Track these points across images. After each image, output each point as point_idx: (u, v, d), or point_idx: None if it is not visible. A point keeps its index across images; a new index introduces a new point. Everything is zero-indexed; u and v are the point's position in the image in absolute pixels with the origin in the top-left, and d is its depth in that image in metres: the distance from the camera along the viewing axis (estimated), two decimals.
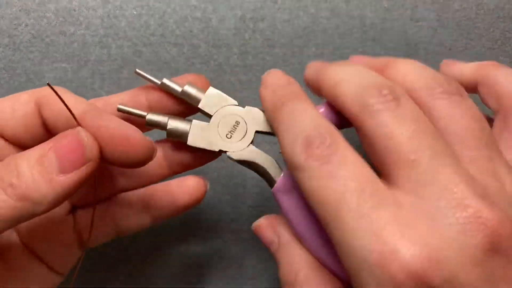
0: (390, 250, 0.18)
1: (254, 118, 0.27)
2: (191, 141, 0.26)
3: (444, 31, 0.37)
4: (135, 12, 0.37)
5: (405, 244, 0.18)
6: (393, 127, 0.20)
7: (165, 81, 0.27)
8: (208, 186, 0.30)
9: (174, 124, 0.27)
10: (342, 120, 0.24)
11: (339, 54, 0.37)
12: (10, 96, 0.26)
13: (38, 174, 0.21)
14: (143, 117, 0.27)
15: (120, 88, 0.36)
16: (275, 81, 0.26)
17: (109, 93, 0.36)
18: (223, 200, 0.36)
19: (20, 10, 0.37)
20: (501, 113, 0.26)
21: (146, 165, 0.24)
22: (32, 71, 0.37)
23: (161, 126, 0.27)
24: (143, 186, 0.30)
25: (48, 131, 0.25)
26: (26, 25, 0.37)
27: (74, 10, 0.37)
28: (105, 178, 0.28)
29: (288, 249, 0.26)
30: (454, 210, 0.18)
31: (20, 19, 0.37)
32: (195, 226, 0.36)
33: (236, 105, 0.27)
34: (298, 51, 0.37)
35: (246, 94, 0.37)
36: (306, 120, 0.22)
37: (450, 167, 0.19)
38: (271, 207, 0.36)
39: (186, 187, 0.29)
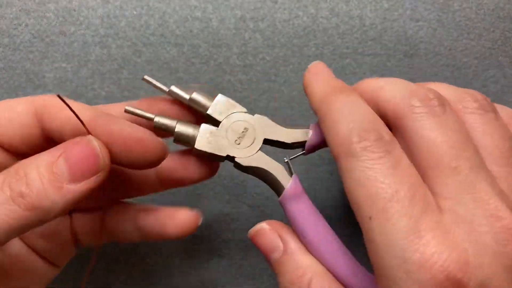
0: (433, 253, 0.19)
1: (263, 126, 0.27)
2: (199, 144, 0.26)
3: (444, 31, 0.37)
4: (135, 12, 0.37)
5: (447, 248, 0.19)
6: (438, 133, 0.21)
7: (173, 88, 0.27)
8: (201, 220, 0.29)
9: (183, 128, 0.26)
10: None
11: (339, 54, 0.37)
12: (4, 102, 0.25)
13: (48, 183, 0.21)
14: (151, 119, 0.26)
15: (120, 88, 0.36)
16: (325, 71, 0.26)
17: (109, 93, 0.36)
18: (223, 200, 0.36)
19: (20, 10, 0.37)
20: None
21: (140, 177, 0.26)
22: (32, 71, 0.36)
23: (169, 130, 0.26)
24: (136, 195, 0.30)
25: (48, 141, 0.25)
26: (26, 25, 0.37)
27: (74, 10, 0.37)
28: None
29: (296, 256, 0.25)
30: (489, 220, 0.19)
31: (20, 19, 0.37)
32: None
33: (245, 112, 0.27)
34: (298, 51, 0.37)
35: (246, 94, 0.37)
36: (365, 113, 0.22)
37: (485, 180, 0.20)
38: (271, 207, 0.36)
39: (177, 220, 0.29)
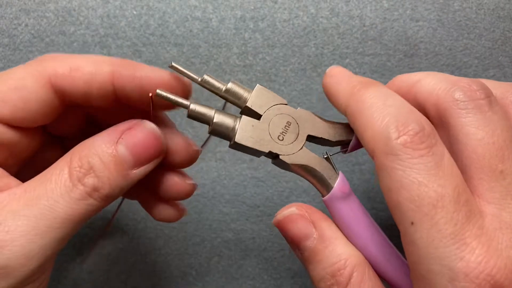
0: (479, 261, 0.18)
1: (306, 121, 0.24)
2: (240, 138, 0.24)
3: (444, 31, 0.37)
4: (135, 12, 0.37)
5: (492, 255, 0.18)
6: (485, 133, 0.20)
7: (206, 77, 0.24)
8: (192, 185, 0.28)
9: (221, 118, 0.24)
10: None
11: (339, 54, 0.37)
12: (4, 75, 0.22)
13: (116, 173, 0.21)
14: (186, 107, 0.24)
15: None
16: (344, 72, 0.24)
17: None
18: (223, 200, 0.36)
19: (20, 10, 0.37)
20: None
21: None
22: None
23: (205, 120, 0.24)
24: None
25: (67, 107, 0.24)
26: (26, 25, 0.37)
27: (74, 10, 0.37)
28: None
29: (335, 245, 0.23)
30: None
31: (20, 19, 0.37)
32: (195, 226, 0.36)
33: (286, 104, 0.25)
34: (298, 51, 0.37)
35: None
36: (398, 104, 0.20)
37: None
38: (271, 207, 0.36)
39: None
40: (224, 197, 0.36)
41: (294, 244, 0.24)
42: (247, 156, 0.36)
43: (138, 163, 0.22)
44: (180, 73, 0.24)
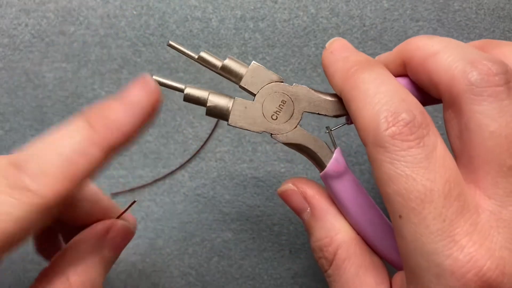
0: (468, 259, 0.17)
1: (302, 98, 0.24)
2: (233, 121, 0.24)
3: (444, 31, 0.37)
4: (135, 12, 0.37)
5: (483, 255, 0.17)
6: (498, 124, 0.18)
7: (203, 54, 0.24)
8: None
9: (215, 100, 0.24)
10: (424, 98, 0.22)
11: None
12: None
13: (103, 271, 0.23)
14: (181, 90, 0.24)
15: (120, 88, 0.36)
16: (344, 47, 0.23)
17: (109, 93, 0.36)
18: (223, 200, 0.36)
19: (20, 10, 0.37)
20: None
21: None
22: (32, 71, 0.36)
23: (200, 102, 0.24)
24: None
25: None
26: (26, 25, 0.37)
27: (74, 10, 0.37)
28: None
29: (325, 220, 0.24)
30: None
31: (20, 19, 0.37)
32: (195, 226, 0.36)
33: (282, 82, 0.24)
34: (298, 51, 0.37)
35: (246, 94, 0.37)
36: (391, 91, 0.19)
37: None
38: (271, 207, 0.36)
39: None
40: (224, 197, 0.36)
41: (297, 215, 0.25)
42: (247, 156, 0.36)
43: (116, 256, 0.25)
44: (177, 50, 0.24)
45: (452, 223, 0.17)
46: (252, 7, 0.37)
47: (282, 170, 0.36)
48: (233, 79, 0.25)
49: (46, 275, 0.22)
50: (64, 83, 0.36)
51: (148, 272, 0.36)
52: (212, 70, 0.25)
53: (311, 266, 0.36)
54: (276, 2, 0.37)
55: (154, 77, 0.23)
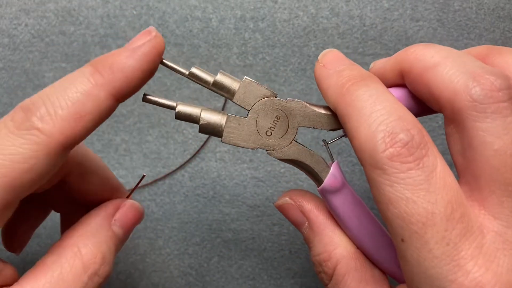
0: (474, 285, 0.16)
1: (296, 112, 0.24)
2: (226, 139, 0.24)
3: (444, 31, 0.37)
4: (135, 12, 0.37)
5: (490, 280, 0.16)
6: (503, 143, 0.17)
7: (194, 70, 0.24)
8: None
9: (208, 117, 0.23)
10: (422, 109, 0.22)
11: None
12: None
13: (114, 247, 0.24)
14: (173, 108, 0.24)
15: None
16: (337, 60, 0.23)
17: None
18: (223, 200, 0.36)
19: (20, 10, 0.37)
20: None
21: None
22: (32, 71, 0.36)
23: (193, 119, 0.24)
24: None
25: None
26: (26, 25, 0.37)
27: (74, 10, 0.37)
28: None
29: (323, 234, 0.23)
30: None
31: (20, 19, 0.37)
32: (195, 226, 0.36)
33: (275, 97, 0.24)
34: (298, 51, 0.37)
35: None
36: (387, 109, 0.18)
37: None
38: (271, 207, 0.36)
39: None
40: (224, 197, 0.36)
41: (296, 228, 0.25)
42: (247, 156, 0.36)
43: (126, 235, 0.25)
44: (168, 68, 0.24)
45: (456, 247, 0.17)
46: (252, 7, 0.37)
47: (282, 170, 0.36)
48: (226, 95, 0.24)
49: (57, 246, 0.22)
50: None
51: (148, 272, 0.36)
52: (203, 86, 0.24)
53: (311, 267, 0.36)
54: (276, 2, 0.37)
55: (145, 95, 0.24)
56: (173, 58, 0.37)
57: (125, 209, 0.25)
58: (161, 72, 0.37)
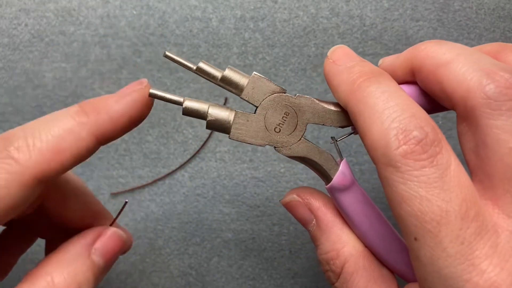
0: (489, 285, 0.16)
1: (305, 109, 0.23)
2: (234, 134, 0.23)
3: (444, 31, 0.37)
4: (135, 12, 0.37)
5: (505, 279, 0.16)
6: None
7: (202, 65, 0.23)
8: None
9: (216, 113, 0.23)
10: (433, 106, 0.22)
11: None
12: (56, 120, 0.21)
13: (93, 277, 0.23)
14: (180, 103, 0.23)
15: (120, 88, 0.36)
16: (347, 56, 0.22)
17: (108, 93, 0.36)
18: (223, 200, 0.36)
19: (19, 10, 0.37)
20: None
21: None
22: (31, 71, 0.36)
23: (200, 115, 0.23)
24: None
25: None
26: (26, 25, 0.37)
27: (74, 10, 0.37)
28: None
29: (331, 232, 0.23)
30: None
31: (19, 19, 0.37)
32: (195, 226, 0.36)
33: (284, 93, 0.23)
34: (298, 51, 0.37)
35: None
36: (401, 106, 0.18)
37: None
38: (271, 207, 0.36)
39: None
40: (224, 197, 0.36)
41: (303, 226, 0.24)
42: (247, 156, 0.36)
43: (108, 266, 0.24)
44: (174, 61, 0.23)
45: (470, 246, 0.17)
46: (252, 7, 0.37)
47: (282, 170, 0.36)
48: (234, 90, 0.23)
49: (31, 274, 0.21)
50: (63, 83, 0.36)
51: (148, 272, 0.36)
52: (211, 81, 0.24)
53: (311, 267, 0.36)
54: (276, 2, 0.37)
55: (150, 90, 0.23)
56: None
57: (107, 237, 0.24)
58: (161, 72, 0.37)
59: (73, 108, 0.21)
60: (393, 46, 0.37)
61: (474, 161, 0.19)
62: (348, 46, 0.37)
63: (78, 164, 0.21)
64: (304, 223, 0.24)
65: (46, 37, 0.36)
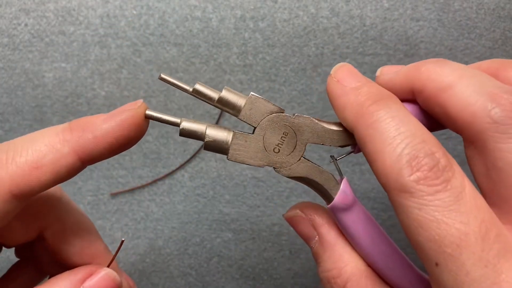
0: None
1: (304, 128, 0.23)
2: (232, 155, 0.23)
3: (444, 31, 0.37)
4: (135, 12, 0.37)
5: None
6: None
7: (198, 87, 0.23)
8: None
9: (213, 134, 0.23)
10: (436, 125, 0.22)
11: (339, 54, 0.37)
12: (36, 140, 0.21)
13: None
14: (177, 125, 0.23)
15: (119, 88, 0.36)
16: (352, 75, 0.22)
17: (108, 93, 0.36)
18: (223, 200, 0.36)
19: (19, 10, 0.37)
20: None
21: None
22: (31, 71, 0.36)
23: (198, 136, 0.23)
24: None
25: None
26: (26, 25, 0.37)
27: (74, 10, 0.37)
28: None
29: (334, 250, 0.23)
30: None
31: (19, 18, 0.37)
32: (195, 226, 0.36)
33: (283, 113, 0.23)
34: (298, 51, 0.37)
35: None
36: (412, 131, 0.18)
37: None
38: (271, 207, 0.36)
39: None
40: (224, 197, 0.36)
41: (305, 242, 0.24)
42: None
43: None
44: (170, 84, 0.23)
45: (495, 269, 0.16)
46: (252, 7, 0.37)
47: None
48: (231, 111, 0.23)
49: None
50: (63, 83, 0.36)
51: (148, 272, 0.36)
52: (208, 103, 0.23)
53: (311, 267, 0.36)
54: (276, 2, 0.37)
55: (147, 111, 0.22)
56: (173, 58, 0.37)
57: (99, 277, 0.23)
58: (161, 72, 0.37)
59: (62, 125, 0.21)
60: (393, 46, 0.37)
61: (487, 185, 0.19)
62: (348, 46, 0.37)
63: (60, 182, 0.21)
64: (306, 239, 0.24)
65: (46, 37, 0.36)
